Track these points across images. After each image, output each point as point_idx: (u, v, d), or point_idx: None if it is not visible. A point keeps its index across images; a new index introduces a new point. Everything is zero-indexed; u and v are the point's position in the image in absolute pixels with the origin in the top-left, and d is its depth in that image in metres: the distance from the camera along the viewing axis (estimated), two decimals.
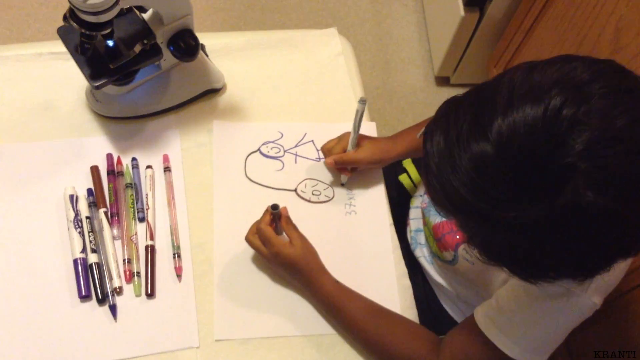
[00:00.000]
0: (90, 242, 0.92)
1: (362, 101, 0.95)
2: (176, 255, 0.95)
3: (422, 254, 1.08)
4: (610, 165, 0.52)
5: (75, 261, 0.91)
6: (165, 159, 1.03)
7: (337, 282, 0.93)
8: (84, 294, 0.89)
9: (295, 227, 0.94)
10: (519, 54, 1.76)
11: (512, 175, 0.55)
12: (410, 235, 1.12)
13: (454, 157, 0.58)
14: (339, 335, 0.93)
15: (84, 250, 0.92)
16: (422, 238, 1.09)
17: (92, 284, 0.90)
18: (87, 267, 0.91)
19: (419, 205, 1.11)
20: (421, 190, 1.14)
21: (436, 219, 1.02)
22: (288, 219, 0.94)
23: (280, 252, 0.90)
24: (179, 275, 0.94)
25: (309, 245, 0.94)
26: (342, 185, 1.06)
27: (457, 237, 0.95)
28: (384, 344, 0.90)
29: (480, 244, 0.64)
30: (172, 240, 0.96)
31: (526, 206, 0.55)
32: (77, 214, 0.94)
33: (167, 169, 1.02)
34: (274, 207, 0.91)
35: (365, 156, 1.01)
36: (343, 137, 1.03)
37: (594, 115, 0.52)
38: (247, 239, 0.94)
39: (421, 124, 1.08)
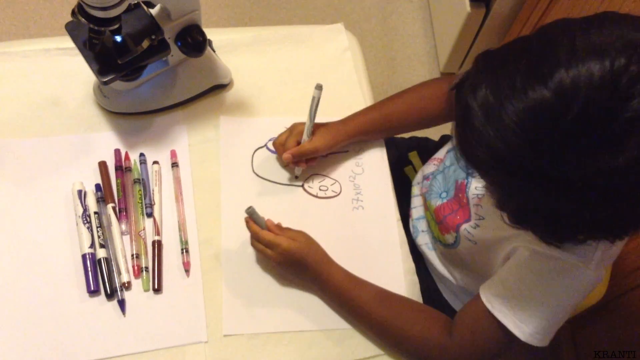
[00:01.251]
0: (99, 237, 0.93)
1: (319, 87, 0.95)
2: (184, 251, 0.95)
3: (424, 242, 1.09)
4: None
5: (84, 256, 0.91)
6: (173, 154, 1.03)
7: (345, 272, 0.93)
8: (92, 288, 0.89)
9: (289, 228, 0.94)
10: None
11: (573, 128, 0.54)
12: (411, 223, 1.12)
13: (506, 109, 0.57)
14: (346, 330, 0.93)
15: (92, 245, 0.92)
16: (423, 225, 1.09)
17: (101, 278, 0.90)
18: (96, 262, 0.91)
19: (419, 193, 1.11)
20: (420, 177, 1.14)
21: (437, 201, 1.02)
22: (274, 224, 0.94)
23: (286, 250, 0.90)
24: (187, 271, 0.94)
25: (311, 238, 0.94)
26: (297, 178, 1.05)
27: (458, 217, 0.95)
28: (397, 328, 0.90)
29: (515, 205, 0.64)
30: (180, 235, 0.96)
31: (584, 160, 0.55)
32: (85, 209, 0.94)
33: (174, 165, 1.02)
34: (248, 209, 0.90)
35: (321, 144, 1.01)
36: (294, 129, 1.02)
37: None
38: (253, 245, 0.94)
39: (370, 109, 1.09)
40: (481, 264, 0.94)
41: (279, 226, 0.94)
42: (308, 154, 1.01)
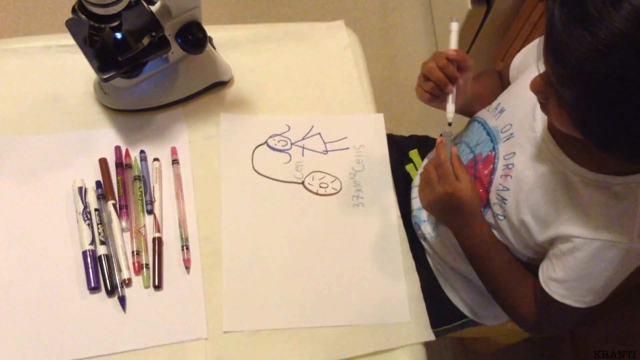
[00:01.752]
0: (99, 234, 0.93)
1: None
2: (185, 248, 0.95)
3: (427, 231, 1.09)
4: None
5: (84, 253, 0.91)
6: (173, 151, 1.03)
7: (492, 234, 0.96)
8: (93, 285, 0.89)
9: (465, 168, 0.93)
10: None
11: None
12: (413, 214, 1.13)
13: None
14: (346, 326, 0.93)
15: (92, 242, 0.92)
16: (424, 215, 1.10)
17: (101, 275, 0.90)
18: (96, 259, 0.91)
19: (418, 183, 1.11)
20: (422, 168, 1.14)
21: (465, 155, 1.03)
22: (458, 157, 0.93)
23: (455, 192, 0.91)
24: (187, 267, 0.94)
25: (475, 188, 0.95)
26: (450, 125, 0.95)
27: (480, 191, 0.97)
28: (506, 298, 0.98)
29: (602, 125, 0.68)
30: (181, 232, 0.96)
31: None
32: (85, 206, 0.95)
33: (175, 162, 1.02)
34: (447, 132, 0.92)
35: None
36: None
37: None
38: (426, 169, 0.96)
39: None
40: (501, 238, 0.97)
41: (459, 159, 0.93)
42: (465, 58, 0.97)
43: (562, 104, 0.72)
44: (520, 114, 0.93)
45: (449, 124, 0.95)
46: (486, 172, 0.96)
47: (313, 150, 1.08)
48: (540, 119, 0.90)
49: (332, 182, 1.06)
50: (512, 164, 0.92)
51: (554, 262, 0.88)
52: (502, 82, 1.11)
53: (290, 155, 1.07)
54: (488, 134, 0.99)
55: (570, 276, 0.86)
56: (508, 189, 0.92)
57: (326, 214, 1.02)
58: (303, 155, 1.07)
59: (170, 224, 0.98)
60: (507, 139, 0.95)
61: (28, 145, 1.01)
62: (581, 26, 0.62)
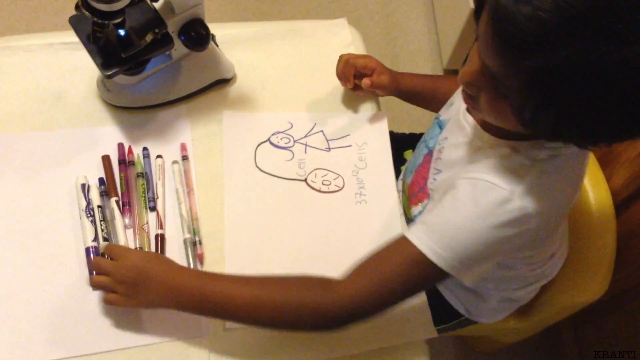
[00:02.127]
0: (102, 230, 0.93)
1: None
2: (198, 242, 0.95)
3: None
4: None
5: (87, 249, 0.91)
6: (183, 147, 1.04)
7: (200, 271, 0.88)
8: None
9: (117, 247, 0.88)
10: None
11: None
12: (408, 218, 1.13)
13: None
14: None
15: (95, 238, 0.92)
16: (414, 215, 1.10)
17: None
18: (100, 256, 0.91)
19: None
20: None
21: (410, 177, 1.03)
22: (99, 256, 0.88)
23: (128, 257, 0.83)
24: (201, 262, 0.94)
25: (146, 254, 0.89)
26: None
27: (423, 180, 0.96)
28: (268, 301, 0.80)
29: (553, 114, 0.62)
30: (193, 227, 0.97)
31: None
32: (88, 203, 0.95)
33: (185, 158, 1.03)
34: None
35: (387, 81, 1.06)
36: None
37: None
38: (93, 280, 0.87)
39: (423, 76, 1.15)
40: None
41: (112, 250, 0.86)
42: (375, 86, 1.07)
43: (500, 95, 0.68)
44: (458, 101, 0.94)
45: None
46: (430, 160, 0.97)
47: (316, 148, 1.08)
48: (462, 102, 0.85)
49: (334, 179, 1.05)
50: (443, 147, 0.93)
51: (430, 208, 0.83)
52: None
53: (293, 153, 1.07)
54: (439, 126, 1.00)
55: (438, 217, 0.78)
56: (440, 171, 0.92)
57: (328, 212, 1.02)
58: (306, 152, 1.07)
59: (172, 221, 0.98)
60: (445, 127, 0.96)
61: (31, 142, 1.01)
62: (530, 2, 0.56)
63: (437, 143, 0.96)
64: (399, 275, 0.78)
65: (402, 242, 0.79)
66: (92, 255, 0.91)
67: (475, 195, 0.76)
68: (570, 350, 1.60)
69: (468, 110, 0.85)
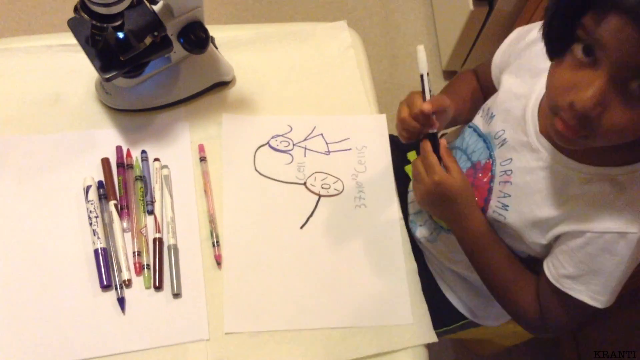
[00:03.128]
0: (95, 230, 0.93)
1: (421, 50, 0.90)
2: (215, 243, 0.95)
3: (423, 235, 1.09)
4: None
5: (95, 251, 0.91)
6: (201, 148, 1.04)
7: (488, 223, 0.94)
8: (105, 283, 0.89)
9: (454, 159, 0.92)
10: None
11: None
12: (409, 219, 1.12)
13: None
14: (348, 328, 0.92)
15: (101, 240, 0.92)
16: (420, 219, 1.09)
17: (104, 271, 0.90)
18: (108, 257, 0.91)
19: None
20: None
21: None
22: (447, 149, 0.92)
23: (443, 181, 0.89)
24: (219, 263, 0.95)
25: (467, 179, 0.93)
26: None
27: (477, 199, 0.96)
28: (508, 293, 0.96)
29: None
30: (211, 228, 0.97)
31: None
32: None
33: (202, 159, 1.03)
34: (432, 134, 0.91)
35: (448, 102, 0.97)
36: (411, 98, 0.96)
37: None
38: (413, 164, 0.94)
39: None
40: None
41: (447, 149, 0.92)
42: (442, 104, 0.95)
43: (635, 102, 0.66)
44: (511, 119, 0.92)
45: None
46: (485, 180, 0.96)
47: (315, 151, 1.08)
48: (531, 122, 0.88)
49: (334, 183, 1.05)
50: (511, 170, 0.92)
51: (561, 258, 0.86)
52: (480, 80, 1.11)
53: (292, 156, 1.07)
54: (484, 140, 0.99)
55: (583, 270, 0.84)
56: (509, 195, 0.92)
57: (328, 215, 1.02)
58: (305, 156, 1.07)
59: (183, 224, 0.98)
60: (502, 145, 0.94)
61: (29, 145, 1.01)
62: None
63: (497, 164, 0.94)
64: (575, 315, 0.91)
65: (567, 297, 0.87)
66: (100, 258, 0.91)
67: (613, 249, 0.81)
68: (569, 352, 1.60)
69: (541, 129, 0.87)
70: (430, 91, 0.91)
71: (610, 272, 0.83)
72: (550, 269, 0.88)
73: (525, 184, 0.89)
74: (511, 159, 0.92)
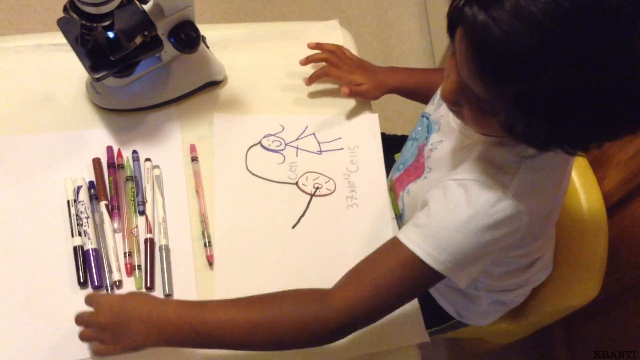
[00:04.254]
0: (79, 225, 0.93)
1: None
2: (207, 244, 0.95)
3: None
4: None
5: (87, 252, 0.91)
6: (192, 148, 1.03)
7: (184, 302, 0.82)
8: (96, 284, 0.89)
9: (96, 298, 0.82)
10: None
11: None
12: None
13: (538, 3, 0.56)
14: None
15: (92, 239, 0.92)
16: (406, 219, 1.10)
17: (95, 271, 0.90)
18: (99, 257, 0.91)
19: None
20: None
21: (396, 174, 1.04)
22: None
23: (104, 302, 0.79)
24: (210, 264, 0.94)
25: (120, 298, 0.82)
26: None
27: (411, 178, 0.96)
28: (266, 321, 0.78)
29: (526, 120, 0.63)
30: (202, 229, 0.96)
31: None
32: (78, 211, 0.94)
33: (194, 159, 1.02)
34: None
35: (367, 88, 1.06)
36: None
37: None
38: (81, 336, 0.81)
39: (415, 71, 1.14)
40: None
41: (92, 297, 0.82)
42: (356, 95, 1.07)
43: (484, 111, 0.69)
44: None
45: None
46: (422, 160, 0.96)
47: (307, 151, 1.08)
48: None
49: (326, 182, 1.05)
50: (436, 148, 0.92)
51: (421, 211, 0.81)
52: None
53: (284, 156, 1.06)
54: (427, 125, 1.00)
55: (431, 220, 0.77)
56: (431, 169, 0.92)
57: (320, 215, 1.02)
58: (297, 155, 1.07)
59: (173, 224, 0.97)
60: (439, 130, 0.95)
61: (19, 145, 1.00)
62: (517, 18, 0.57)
63: (430, 144, 0.95)
64: (394, 279, 0.78)
65: (395, 246, 0.78)
66: (92, 258, 0.90)
67: (468, 197, 0.76)
68: (562, 351, 1.61)
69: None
70: None
71: (455, 227, 0.75)
72: (404, 227, 0.81)
73: (440, 156, 0.90)
74: (442, 140, 0.92)
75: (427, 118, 1.02)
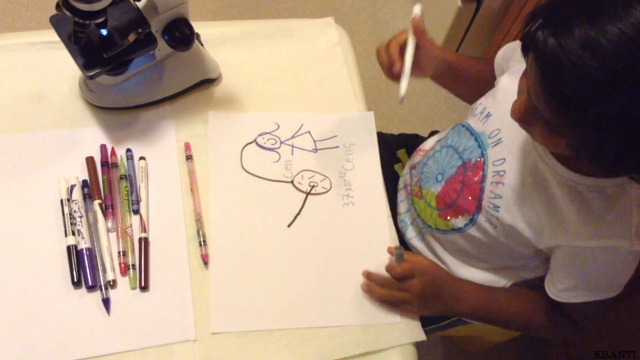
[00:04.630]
0: (73, 224, 0.92)
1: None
2: (202, 243, 0.95)
3: (413, 235, 1.09)
4: None
5: (80, 252, 0.90)
6: (187, 147, 1.03)
7: (474, 284, 0.97)
8: (90, 284, 0.88)
9: (411, 261, 0.93)
10: None
11: None
12: (399, 218, 1.12)
13: (607, 33, 0.59)
14: (336, 327, 0.92)
15: (83, 239, 0.91)
16: (409, 218, 1.09)
17: (89, 271, 0.89)
18: (93, 257, 0.91)
19: (403, 185, 1.13)
20: (407, 169, 1.15)
21: (436, 187, 1.02)
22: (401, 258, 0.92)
23: (425, 271, 0.91)
24: (205, 263, 0.94)
25: (432, 265, 0.95)
26: (402, 102, 0.95)
27: (469, 198, 0.96)
28: (528, 325, 1.00)
29: (614, 150, 0.65)
30: (197, 228, 0.96)
31: None
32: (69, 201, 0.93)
33: (188, 157, 1.02)
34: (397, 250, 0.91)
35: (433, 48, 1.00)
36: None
37: None
38: (383, 294, 0.93)
39: (458, 55, 1.11)
40: (486, 249, 0.97)
41: (407, 262, 0.92)
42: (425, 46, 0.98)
43: (555, 132, 0.71)
44: (507, 119, 0.92)
45: (400, 101, 0.95)
46: (476, 179, 0.95)
47: (302, 149, 1.07)
48: None
49: (321, 181, 1.04)
50: (504, 171, 0.91)
51: (557, 274, 0.89)
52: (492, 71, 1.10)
53: (279, 154, 1.06)
54: (475, 139, 0.98)
55: (580, 280, 0.87)
56: (500, 197, 0.91)
57: (316, 214, 1.01)
58: (292, 154, 1.06)
59: (157, 224, 0.96)
60: (496, 144, 0.94)
61: (12, 143, 0.99)
62: (589, 54, 0.60)
63: (489, 164, 0.94)
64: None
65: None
66: (85, 257, 0.89)
67: (605, 260, 0.84)
68: (557, 347, 1.61)
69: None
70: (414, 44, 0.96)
71: (606, 277, 0.86)
72: (550, 287, 0.92)
73: (517, 185, 0.89)
74: (504, 159, 0.92)
75: (468, 129, 1.01)
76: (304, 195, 1.03)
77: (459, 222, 0.98)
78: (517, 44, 1.00)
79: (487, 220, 0.94)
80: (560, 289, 0.89)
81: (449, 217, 1.00)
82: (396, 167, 1.23)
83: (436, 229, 1.02)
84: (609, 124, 0.63)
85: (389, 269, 0.92)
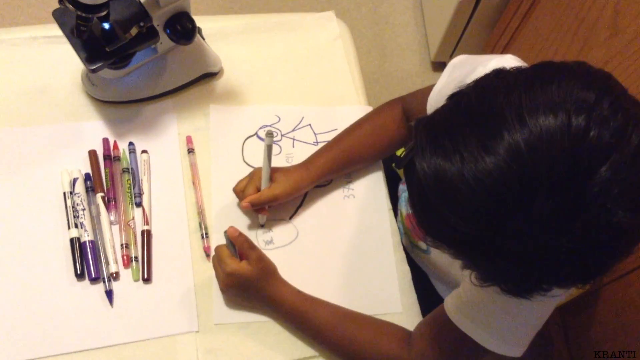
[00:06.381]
0: (75, 217, 0.93)
1: (269, 134, 0.88)
2: (204, 235, 0.95)
3: (406, 243, 1.09)
4: (635, 183, 0.51)
5: (83, 244, 0.91)
6: (189, 140, 1.04)
7: (298, 292, 0.90)
8: (93, 276, 0.89)
9: (252, 246, 0.87)
10: (516, 39, 1.75)
11: (545, 200, 0.50)
12: (398, 224, 1.13)
13: (464, 180, 0.52)
14: None
15: (86, 232, 0.91)
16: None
17: (92, 263, 0.90)
18: (96, 249, 0.91)
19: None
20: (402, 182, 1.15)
21: (408, 209, 1.02)
22: (243, 240, 0.87)
23: (234, 271, 0.86)
24: (208, 255, 0.95)
25: (267, 262, 0.89)
26: (262, 226, 0.99)
27: None
28: (354, 349, 0.88)
29: (480, 272, 0.60)
30: (199, 220, 0.97)
31: (555, 234, 0.51)
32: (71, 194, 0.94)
33: (190, 151, 1.02)
34: (226, 232, 0.87)
35: (282, 191, 0.94)
36: (254, 176, 0.95)
37: (614, 135, 0.50)
38: (213, 263, 0.91)
39: (329, 147, 1.02)
40: (454, 271, 0.94)
41: (244, 240, 0.87)
42: (267, 202, 0.94)
43: None
44: None
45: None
46: None
47: (303, 142, 1.08)
48: None
49: None
50: None
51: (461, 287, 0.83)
52: (408, 114, 1.04)
53: (280, 147, 1.07)
54: None
55: (504, 323, 0.79)
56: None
57: (316, 206, 1.02)
58: (293, 147, 1.07)
59: (159, 216, 0.97)
60: None
61: (15, 137, 1.00)
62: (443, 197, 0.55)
63: None
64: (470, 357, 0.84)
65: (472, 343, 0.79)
66: (89, 250, 0.90)
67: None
68: (559, 345, 1.61)
69: None
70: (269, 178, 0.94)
71: (507, 312, 0.77)
72: (448, 300, 0.84)
73: None
74: None
75: None
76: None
77: (422, 244, 1.00)
78: (456, 72, 0.89)
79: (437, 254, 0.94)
80: (457, 305, 0.81)
81: (416, 239, 1.01)
82: (393, 165, 1.23)
83: (416, 246, 1.05)
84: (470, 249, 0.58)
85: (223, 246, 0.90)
